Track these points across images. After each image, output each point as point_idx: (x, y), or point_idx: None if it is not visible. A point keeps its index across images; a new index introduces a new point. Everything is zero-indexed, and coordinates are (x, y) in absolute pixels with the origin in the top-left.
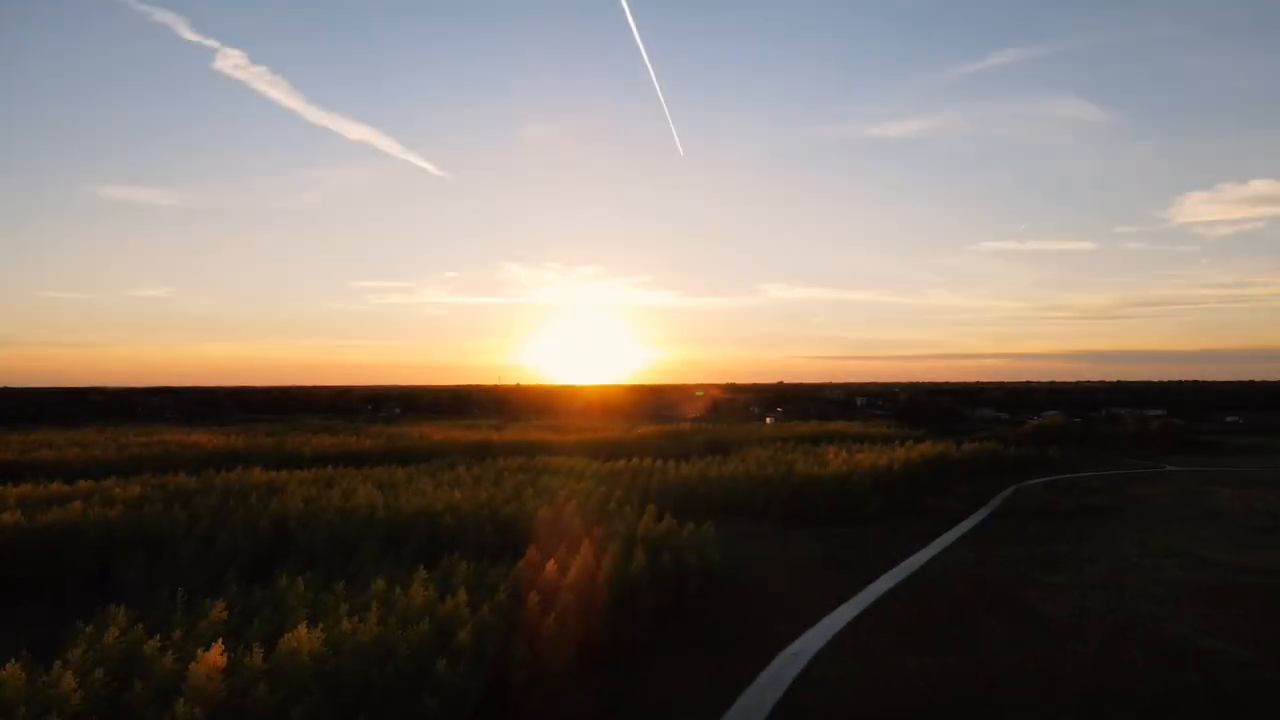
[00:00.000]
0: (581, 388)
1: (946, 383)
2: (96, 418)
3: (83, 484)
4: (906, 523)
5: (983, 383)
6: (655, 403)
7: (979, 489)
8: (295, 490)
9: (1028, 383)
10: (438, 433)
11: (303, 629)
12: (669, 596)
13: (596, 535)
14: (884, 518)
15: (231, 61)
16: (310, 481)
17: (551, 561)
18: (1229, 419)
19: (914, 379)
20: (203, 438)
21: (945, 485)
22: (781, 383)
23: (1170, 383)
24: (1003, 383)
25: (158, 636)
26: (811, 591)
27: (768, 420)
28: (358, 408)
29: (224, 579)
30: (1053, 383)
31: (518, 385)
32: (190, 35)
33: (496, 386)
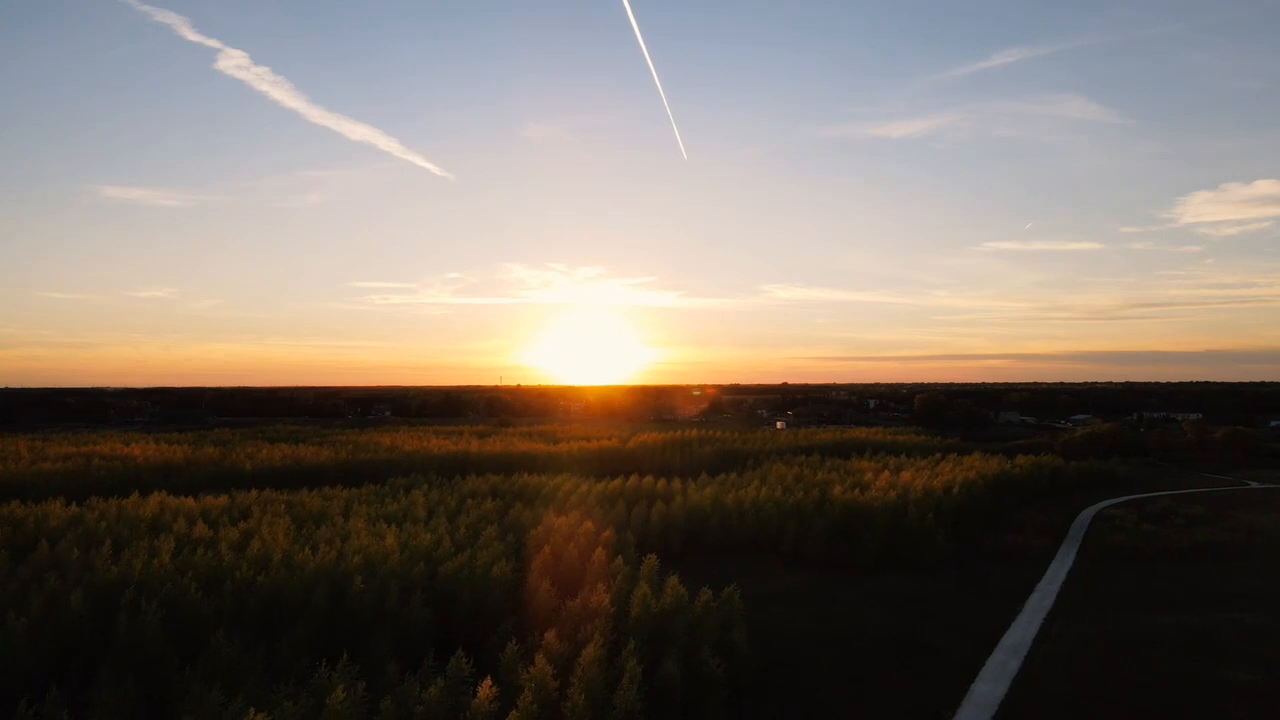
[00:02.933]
0: (584, 388)
1: (952, 383)
2: (66, 421)
3: None
4: (985, 570)
5: (988, 383)
6: (657, 404)
7: (1054, 517)
8: (181, 530)
9: (1037, 383)
10: (411, 442)
11: None
12: None
13: (571, 614)
14: (954, 562)
15: (233, 62)
16: (218, 512)
17: (487, 683)
18: (1273, 424)
19: (918, 380)
20: (139, 449)
21: (1014, 512)
22: (786, 384)
23: (1180, 384)
24: (1012, 383)
25: None
26: (890, 706)
27: (779, 425)
28: (345, 409)
29: None
30: (1062, 383)
31: (518, 386)
32: (192, 36)
33: (498, 387)
